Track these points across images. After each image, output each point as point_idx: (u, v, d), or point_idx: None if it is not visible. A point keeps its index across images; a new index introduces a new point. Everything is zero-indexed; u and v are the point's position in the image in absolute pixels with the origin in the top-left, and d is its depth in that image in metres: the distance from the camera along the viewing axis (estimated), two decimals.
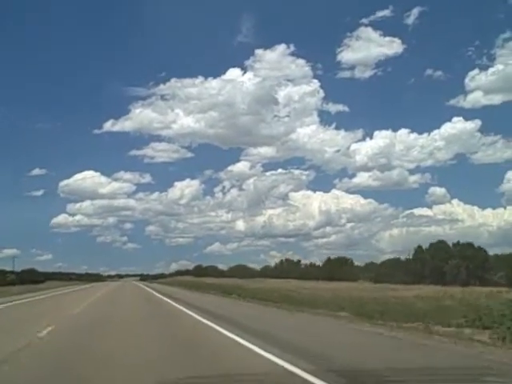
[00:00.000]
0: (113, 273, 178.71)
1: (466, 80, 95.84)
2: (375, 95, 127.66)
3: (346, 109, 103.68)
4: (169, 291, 41.04)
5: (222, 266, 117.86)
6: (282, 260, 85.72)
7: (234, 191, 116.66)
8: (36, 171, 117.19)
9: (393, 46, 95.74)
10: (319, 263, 78.98)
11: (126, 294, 36.68)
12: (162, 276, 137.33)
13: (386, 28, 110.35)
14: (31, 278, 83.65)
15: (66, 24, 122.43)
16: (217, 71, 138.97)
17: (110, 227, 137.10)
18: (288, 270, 76.51)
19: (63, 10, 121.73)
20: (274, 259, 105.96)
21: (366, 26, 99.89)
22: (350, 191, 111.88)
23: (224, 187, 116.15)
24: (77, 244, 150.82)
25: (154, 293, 38.88)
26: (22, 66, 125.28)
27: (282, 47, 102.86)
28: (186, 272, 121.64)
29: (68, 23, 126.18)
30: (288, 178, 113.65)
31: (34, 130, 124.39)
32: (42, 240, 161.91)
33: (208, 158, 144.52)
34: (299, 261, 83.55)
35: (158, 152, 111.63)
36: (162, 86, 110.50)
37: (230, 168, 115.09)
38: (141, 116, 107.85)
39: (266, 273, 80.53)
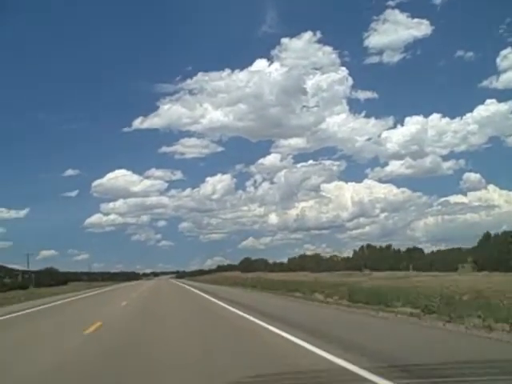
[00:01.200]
0: (148, 271, 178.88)
1: (498, 60, 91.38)
2: (405, 80, 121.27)
3: (376, 95, 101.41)
4: (248, 300, 22.73)
5: (270, 259, 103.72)
6: (362, 246, 69.19)
7: (266, 184, 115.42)
8: (69, 172, 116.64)
9: (421, 28, 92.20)
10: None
11: (167, 319, 15.64)
12: (200, 272, 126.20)
13: (414, 9, 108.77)
14: (52, 279, 69.94)
15: (91, 24, 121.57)
16: (243, 63, 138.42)
17: (144, 225, 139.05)
18: (370, 257, 59.34)
19: (88, 9, 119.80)
20: (308, 252, 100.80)
21: (393, 8, 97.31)
22: (382, 180, 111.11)
23: (255, 181, 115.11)
24: (112, 243, 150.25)
25: (231, 309, 19.40)
26: (51, 68, 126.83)
27: (308, 35, 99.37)
28: (230, 267, 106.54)
29: (93, 23, 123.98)
30: (319, 169, 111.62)
31: (65, 131, 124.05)
32: (78, 240, 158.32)
33: (238, 151, 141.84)
34: (389, 246, 66.79)
35: (189, 148, 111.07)
36: (189, 81, 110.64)
37: (260, 161, 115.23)
38: (169, 112, 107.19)
39: (342, 263, 63.59)
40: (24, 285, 57.22)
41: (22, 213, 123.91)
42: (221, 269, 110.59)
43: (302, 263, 74.82)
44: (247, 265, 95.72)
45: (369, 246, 68.77)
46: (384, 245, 72.93)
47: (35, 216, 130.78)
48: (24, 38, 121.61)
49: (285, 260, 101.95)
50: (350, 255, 76.52)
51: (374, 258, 59.33)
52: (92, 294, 40.14)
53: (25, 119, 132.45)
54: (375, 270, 43.16)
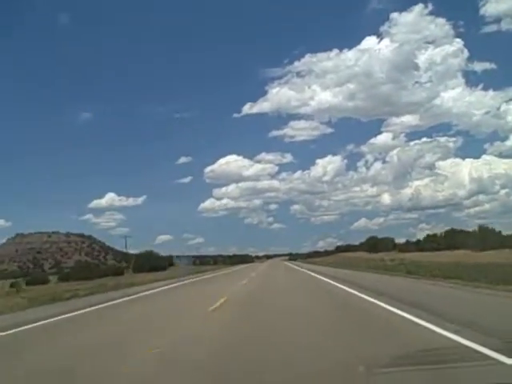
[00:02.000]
0: (261, 253, 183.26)
1: None
2: None
3: (494, 66, 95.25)
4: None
5: (397, 238, 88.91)
6: None
7: (378, 164, 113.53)
8: (182, 159, 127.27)
9: None
10: None
11: None
12: (314, 254, 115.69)
13: None
14: (151, 263, 62.88)
15: (200, 14, 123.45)
16: (351, 42, 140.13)
17: (256, 209, 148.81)
18: None
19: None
20: (425, 231, 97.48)
21: None
22: (502, 155, 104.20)
23: (367, 161, 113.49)
24: (225, 227, 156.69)
25: None
26: (159, 60, 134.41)
27: (418, 8, 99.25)
28: (350, 247, 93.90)
29: (202, 12, 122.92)
30: (434, 147, 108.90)
31: (177, 120, 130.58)
32: (193, 225, 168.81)
33: (348, 131, 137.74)
34: None
35: (298, 130, 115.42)
36: (296, 64, 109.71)
37: (371, 140, 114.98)
38: (278, 96, 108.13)
39: (500, 239, 48.50)
40: (121, 270, 49.85)
41: (140, 200, 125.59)
42: (340, 249, 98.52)
43: (447, 240, 60.23)
44: (373, 244, 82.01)
45: None
46: None
47: (151, 203, 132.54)
48: (139, 41, 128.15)
49: (403, 240, 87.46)
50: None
51: None
52: (180, 284, 30.33)
53: (138, 111, 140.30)
54: None
